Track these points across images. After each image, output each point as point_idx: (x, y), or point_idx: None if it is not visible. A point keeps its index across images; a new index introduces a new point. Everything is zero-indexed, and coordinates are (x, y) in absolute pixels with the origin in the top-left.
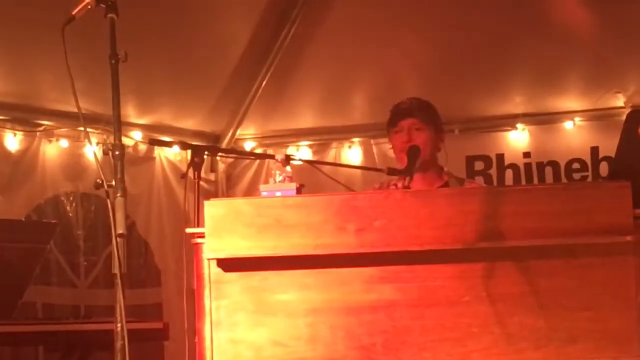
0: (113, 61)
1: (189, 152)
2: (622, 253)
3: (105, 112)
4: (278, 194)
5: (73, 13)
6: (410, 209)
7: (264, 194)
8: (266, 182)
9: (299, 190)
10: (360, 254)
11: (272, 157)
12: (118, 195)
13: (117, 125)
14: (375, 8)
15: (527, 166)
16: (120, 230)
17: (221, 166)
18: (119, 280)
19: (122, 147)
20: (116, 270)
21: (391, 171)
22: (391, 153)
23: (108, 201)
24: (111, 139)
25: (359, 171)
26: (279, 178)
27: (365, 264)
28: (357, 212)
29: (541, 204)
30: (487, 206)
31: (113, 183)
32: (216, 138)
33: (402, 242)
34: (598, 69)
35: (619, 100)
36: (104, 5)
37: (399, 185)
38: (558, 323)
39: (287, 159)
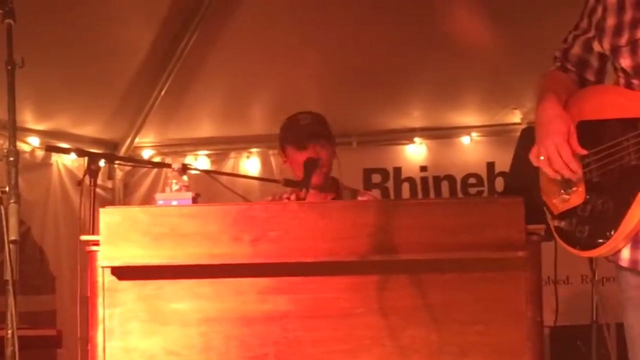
0: (9, 67)
1: (86, 159)
2: (514, 268)
3: (1, 117)
4: (174, 202)
5: None
6: (305, 220)
7: (160, 202)
8: (164, 191)
9: (195, 200)
10: (255, 264)
11: (168, 166)
12: (11, 201)
13: (12, 131)
14: (276, 20)
15: (424, 180)
16: (12, 237)
17: (119, 174)
18: (10, 287)
19: (17, 153)
20: (8, 276)
21: (287, 182)
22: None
23: (1, 207)
24: (6, 145)
25: (256, 182)
26: (175, 187)
27: (260, 275)
28: (252, 222)
29: (435, 218)
30: (382, 219)
31: (7, 189)
32: (115, 146)
33: (296, 254)
34: (496, 85)
35: (516, 117)
36: (1, 11)
37: (292, 197)
38: (450, 336)
39: (184, 168)
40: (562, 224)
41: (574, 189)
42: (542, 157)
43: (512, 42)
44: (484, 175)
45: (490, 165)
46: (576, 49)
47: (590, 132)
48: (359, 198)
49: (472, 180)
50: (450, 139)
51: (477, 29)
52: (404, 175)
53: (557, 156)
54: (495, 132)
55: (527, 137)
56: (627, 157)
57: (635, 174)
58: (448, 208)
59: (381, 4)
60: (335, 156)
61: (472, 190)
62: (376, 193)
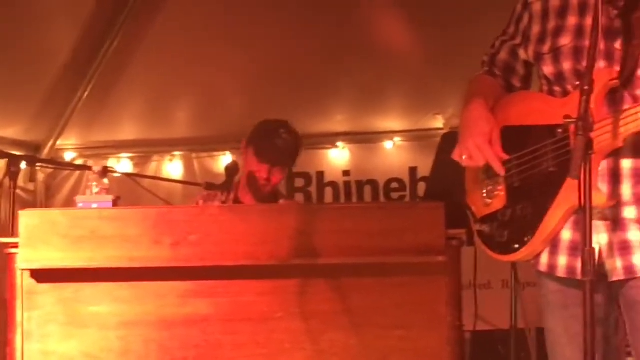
0: None
1: (6, 161)
2: (434, 273)
3: None
4: (94, 205)
5: None
6: (226, 224)
7: (80, 205)
8: (85, 193)
9: (115, 203)
10: (175, 268)
11: (89, 168)
12: None
13: None
14: (199, 23)
15: (347, 184)
16: None
17: (41, 176)
18: None
19: None
20: None
21: (209, 186)
22: (211, 167)
23: None
24: None
25: (179, 185)
26: (95, 190)
27: (180, 278)
28: (173, 225)
29: (356, 223)
30: (303, 223)
31: None
32: (37, 148)
33: (217, 257)
34: (418, 91)
35: (439, 122)
36: None
37: (230, 199)
38: (370, 341)
39: (105, 170)
40: (484, 227)
41: (496, 193)
42: (464, 157)
43: (435, 47)
44: (407, 180)
45: (413, 170)
46: (503, 55)
47: (513, 138)
48: (280, 202)
49: (394, 185)
50: (373, 144)
51: (400, 35)
52: (326, 179)
53: (477, 155)
54: (417, 137)
55: (448, 142)
56: (546, 163)
57: (553, 180)
58: (369, 213)
59: (306, 8)
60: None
61: (395, 195)
62: (299, 198)
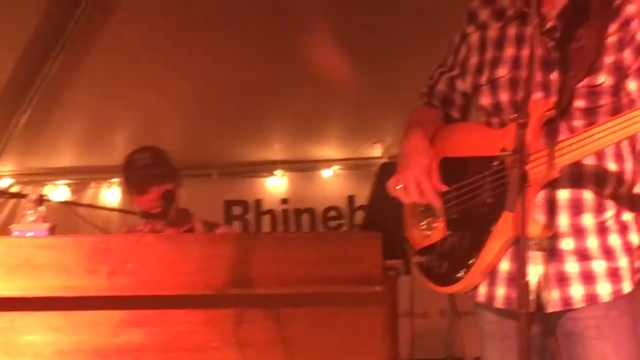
0: None
1: None
2: (371, 302)
3: None
4: (30, 234)
5: None
6: (162, 253)
7: (15, 233)
8: (21, 221)
9: (51, 231)
10: (111, 297)
11: (24, 196)
12: None
13: None
14: (139, 49)
15: (285, 213)
16: None
17: None
18: None
19: None
20: None
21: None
22: None
23: None
24: None
25: (117, 213)
26: (31, 218)
27: (116, 307)
28: (109, 254)
29: (293, 252)
30: (239, 252)
31: None
32: None
33: (153, 286)
34: (357, 119)
35: (377, 151)
36: None
37: (146, 229)
38: None
39: (40, 198)
40: (423, 259)
41: (435, 224)
42: (398, 186)
43: (373, 76)
44: (345, 208)
45: (351, 199)
46: (441, 86)
47: (452, 169)
48: (217, 231)
49: (332, 214)
50: (311, 172)
51: (339, 63)
52: (264, 207)
53: (414, 187)
54: (356, 166)
55: (386, 172)
56: (484, 195)
57: (491, 212)
58: (306, 242)
59: (246, 36)
60: (180, 188)
61: (333, 224)
62: (236, 226)
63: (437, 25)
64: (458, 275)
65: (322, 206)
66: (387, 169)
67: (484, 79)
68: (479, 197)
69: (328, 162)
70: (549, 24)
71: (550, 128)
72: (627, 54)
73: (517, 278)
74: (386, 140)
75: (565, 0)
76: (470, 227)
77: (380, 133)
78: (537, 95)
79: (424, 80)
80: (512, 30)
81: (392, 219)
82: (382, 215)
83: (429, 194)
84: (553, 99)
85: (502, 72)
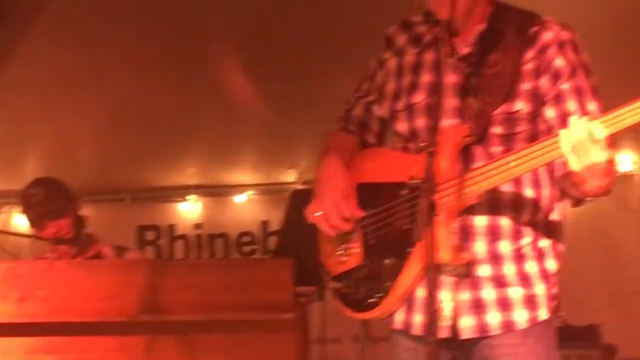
0: None
1: None
2: (282, 329)
3: None
4: None
5: None
6: (73, 279)
7: None
8: None
9: None
10: (22, 324)
11: None
12: None
13: None
14: (52, 71)
15: (198, 238)
16: None
17: None
18: None
19: None
20: None
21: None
22: None
23: None
24: None
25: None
26: None
27: (27, 334)
28: (20, 281)
29: (204, 279)
30: (152, 279)
31: None
32: None
33: (64, 313)
34: (271, 144)
35: (291, 176)
36: None
37: (52, 256)
38: None
39: None
40: (340, 285)
41: (351, 250)
42: (317, 213)
43: (287, 101)
44: (258, 234)
45: (265, 224)
46: (357, 111)
47: (368, 195)
48: (127, 256)
49: (246, 239)
50: (225, 197)
51: (253, 88)
52: (177, 232)
53: (333, 213)
54: (270, 191)
55: (298, 199)
56: (399, 221)
57: (407, 238)
58: (218, 269)
59: (161, 62)
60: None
61: (246, 249)
62: (149, 251)
63: (350, 50)
64: (375, 301)
65: (236, 231)
66: (299, 196)
67: (400, 104)
68: (396, 223)
69: (242, 187)
70: (465, 50)
71: (467, 154)
72: (544, 81)
73: (429, 305)
74: (300, 165)
75: (482, 27)
76: (387, 253)
77: (293, 158)
78: (454, 121)
79: (337, 105)
80: (428, 56)
81: (305, 245)
82: (294, 242)
83: (347, 220)
84: (470, 125)
85: (419, 98)
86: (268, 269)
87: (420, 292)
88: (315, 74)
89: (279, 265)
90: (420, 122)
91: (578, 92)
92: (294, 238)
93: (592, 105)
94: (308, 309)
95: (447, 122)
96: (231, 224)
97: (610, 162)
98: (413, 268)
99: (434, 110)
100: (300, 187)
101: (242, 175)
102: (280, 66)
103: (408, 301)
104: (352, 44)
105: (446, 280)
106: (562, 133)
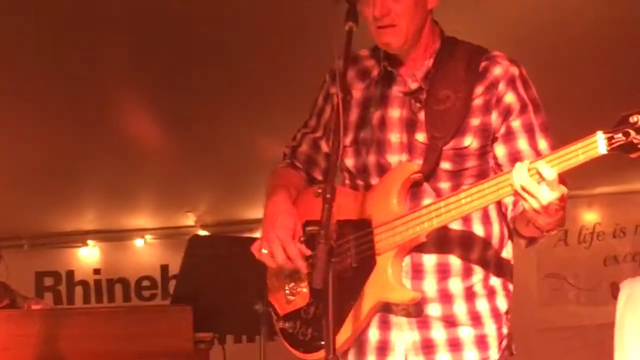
0: None
1: None
2: None
3: None
4: None
5: None
6: None
7: None
8: None
9: None
10: None
11: None
12: None
13: None
14: None
15: (97, 283)
16: None
17: None
18: None
19: None
20: None
21: None
22: None
23: None
24: None
25: None
26: None
27: None
28: None
29: (104, 327)
30: (48, 329)
31: None
32: None
33: None
34: (170, 188)
35: (190, 220)
36: None
37: None
38: None
39: None
40: (287, 325)
41: (299, 289)
42: (264, 250)
43: (186, 145)
44: (158, 278)
45: (165, 268)
46: (304, 147)
47: (316, 232)
48: (33, 307)
49: (146, 283)
50: (123, 242)
51: (151, 132)
52: (77, 278)
53: (280, 250)
54: (169, 235)
55: (196, 245)
56: (348, 260)
57: (356, 277)
58: (117, 317)
59: (57, 106)
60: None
61: (146, 294)
62: (48, 297)
63: (251, 97)
64: (321, 342)
65: (136, 276)
66: (197, 242)
67: (348, 140)
68: (344, 261)
69: (140, 231)
70: (414, 86)
71: (416, 191)
72: (494, 117)
73: (383, 347)
74: (199, 208)
75: (431, 62)
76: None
77: (192, 202)
78: (403, 157)
79: (237, 150)
80: (376, 91)
81: (204, 291)
82: (193, 287)
83: (294, 258)
84: (418, 161)
85: (367, 133)
86: (167, 316)
87: (373, 334)
88: (215, 118)
89: (177, 312)
90: (369, 158)
91: (528, 130)
92: (193, 284)
93: (542, 143)
94: (208, 355)
95: (395, 157)
96: (131, 269)
97: (562, 198)
98: (362, 307)
99: (383, 146)
100: (199, 230)
101: (141, 219)
102: (180, 110)
103: (359, 343)
104: (253, 91)
105: (397, 320)
106: (513, 173)
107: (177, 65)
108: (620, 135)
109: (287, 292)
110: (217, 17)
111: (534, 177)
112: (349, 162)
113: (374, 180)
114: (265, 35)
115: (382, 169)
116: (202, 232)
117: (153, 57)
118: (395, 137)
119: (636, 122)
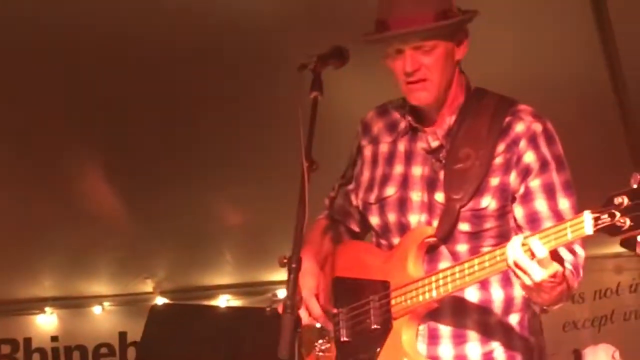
0: None
1: None
2: None
3: None
4: None
5: None
6: None
7: None
8: None
9: None
10: None
11: None
12: None
13: None
14: None
15: (55, 350)
16: None
17: None
18: None
19: None
20: None
21: None
22: None
23: None
24: None
25: None
26: None
27: None
28: None
29: None
30: None
31: None
32: None
33: None
34: (128, 254)
35: (148, 286)
36: None
37: None
38: None
39: None
40: None
41: (327, 346)
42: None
43: (144, 211)
44: (116, 344)
45: (123, 335)
46: (339, 199)
47: (343, 290)
48: None
49: (104, 350)
50: (81, 309)
51: (108, 199)
52: (34, 345)
53: (302, 309)
54: (127, 302)
55: (157, 315)
56: (369, 320)
57: (376, 337)
58: None
59: (11, 172)
60: None
61: None
62: None
63: (212, 163)
64: None
65: (94, 343)
66: (158, 312)
67: (373, 197)
68: (365, 322)
69: (98, 298)
70: (436, 143)
71: (432, 255)
72: (513, 177)
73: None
74: (157, 275)
75: (454, 119)
76: (357, 351)
77: (151, 268)
78: (422, 217)
79: (197, 217)
80: (402, 146)
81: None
82: (155, 356)
83: (316, 315)
84: (435, 224)
85: (390, 191)
86: None
87: None
88: (173, 185)
89: None
90: (392, 217)
91: (548, 190)
92: (154, 354)
93: (564, 203)
94: None
95: (416, 217)
96: (89, 336)
97: (554, 275)
98: None
99: (405, 204)
100: (157, 297)
101: (98, 285)
102: (139, 176)
103: None
104: (212, 159)
105: None
106: (507, 247)
107: (134, 133)
108: (606, 216)
109: (318, 352)
110: (175, 85)
111: (527, 253)
112: (374, 220)
113: (396, 240)
114: (226, 105)
115: (404, 229)
116: (161, 299)
117: (109, 124)
118: (416, 195)
119: (621, 204)
